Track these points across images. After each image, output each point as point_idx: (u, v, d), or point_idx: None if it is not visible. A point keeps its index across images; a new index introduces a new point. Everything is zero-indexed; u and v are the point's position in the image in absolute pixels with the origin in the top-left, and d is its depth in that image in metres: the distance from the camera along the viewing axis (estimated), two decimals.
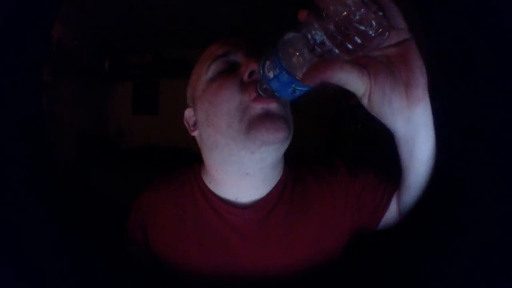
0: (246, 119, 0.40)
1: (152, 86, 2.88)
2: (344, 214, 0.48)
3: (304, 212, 0.48)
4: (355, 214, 0.49)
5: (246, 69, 0.41)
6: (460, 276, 0.36)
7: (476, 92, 0.43)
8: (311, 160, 0.55)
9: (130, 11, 1.89)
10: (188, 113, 0.50)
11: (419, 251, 0.43)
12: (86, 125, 2.45)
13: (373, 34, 0.25)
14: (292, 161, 0.52)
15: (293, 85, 0.31)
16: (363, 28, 0.25)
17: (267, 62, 0.32)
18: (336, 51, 0.27)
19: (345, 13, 0.24)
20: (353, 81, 0.29)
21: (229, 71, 0.43)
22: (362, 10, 0.24)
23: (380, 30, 0.25)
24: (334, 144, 2.42)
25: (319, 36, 0.27)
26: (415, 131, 0.33)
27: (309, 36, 0.27)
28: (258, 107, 0.40)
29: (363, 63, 0.29)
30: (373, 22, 0.25)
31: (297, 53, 0.29)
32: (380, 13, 0.26)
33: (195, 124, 0.49)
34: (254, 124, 0.39)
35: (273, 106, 0.40)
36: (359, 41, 0.25)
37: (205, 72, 0.45)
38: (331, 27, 0.26)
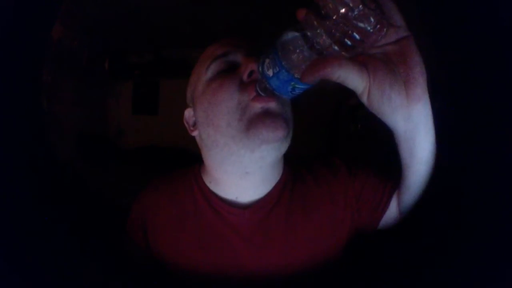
0: (245, 118, 0.40)
1: (152, 86, 2.87)
2: (344, 213, 0.48)
3: (304, 212, 0.48)
4: (355, 214, 0.49)
5: (246, 69, 0.41)
6: (460, 276, 0.36)
7: (476, 92, 0.43)
8: (310, 160, 0.55)
9: (130, 11, 1.88)
10: (188, 113, 0.50)
11: (419, 250, 0.43)
12: (86, 125, 2.45)
13: (371, 30, 0.26)
14: (292, 161, 0.52)
15: (293, 83, 0.31)
16: (361, 24, 0.25)
17: (267, 61, 0.32)
18: (335, 48, 0.27)
19: (343, 10, 0.25)
20: (352, 78, 0.29)
21: (229, 71, 0.43)
22: (360, 7, 0.25)
23: (378, 26, 0.26)
24: (334, 144, 2.42)
25: (318, 33, 0.27)
26: (415, 129, 0.33)
27: (308, 34, 0.28)
28: (257, 106, 0.40)
29: (362, 60, 0.30)
30: (371, 19, 0.25)
31: (297, 51, 0.29)
32: (378, 11, 0.26)
33: (195, 124, 0.49)
34: (253, 123, 0.39)
35: (272, 105, 0.40)
36: (357, 37, 0.26)
37: (205, 72, 0.45)
38: (330, 24, 0.26)
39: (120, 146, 2.66)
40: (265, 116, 0.39)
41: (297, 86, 0.32)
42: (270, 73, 0.32)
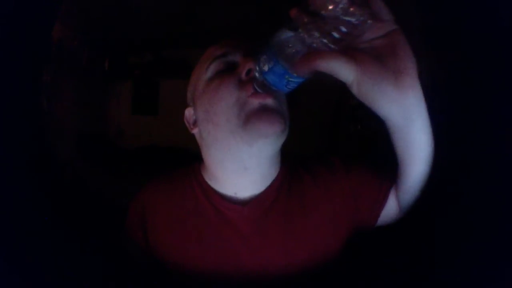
0: (243, 114, 0.41)
1: (152, 86, 2.87)
2: (342, 212, 0.49)
3: (302, 210, 0.48)
4: (353, 212, 0.49)
5: (244, 67, 0.43)
6: (460, 275, 0.36)
7: (475, 92, 0.43)
8: (308, 159, 0.55)
9: (130, 11, 1.89)
10: (188, 112, 0.51)
11: (418, 250, 0.43)
12: (86, 125, 2.45)
13: (356, 22, 0.29)
14: (289, 161, 0.52)
15: (287, 76, 0.34)
16: (347, 18, 0.28)
17: (263, 57, 0.35)
18: (324, 41, 0.30)
19: (331, 6, 0.28)
20: (341, 68, 0.31)
21: (228, 71, 0.44)
22: (345, 1, 0.28)
23: (362, 18, 0.29)
24: (334, 144, 2.42)
25: (309, 28, 0.30)
26: (409, 118, 0.33)
27: (300, 30, 0.31)
28: (255, 102, 0.41)
29: (351, 54, 0.32)
30: (356, 12, 0.28)
31: (290, 46, 0.32)
32: (362, 4, 0.29)
33: (195, 122, 0.50)
34: (251, 118, 0.41)
35: (269, 101, 0.42)
36: (344, 30, 0.29)
37: (205, 72, 0.46)
38: (319, 19, 0.29)
39: (120, 146, 2.66)
40: (263, 111, 0.41)
41: (291, 79, 0.34)
42: (265, 68, 0.35)
